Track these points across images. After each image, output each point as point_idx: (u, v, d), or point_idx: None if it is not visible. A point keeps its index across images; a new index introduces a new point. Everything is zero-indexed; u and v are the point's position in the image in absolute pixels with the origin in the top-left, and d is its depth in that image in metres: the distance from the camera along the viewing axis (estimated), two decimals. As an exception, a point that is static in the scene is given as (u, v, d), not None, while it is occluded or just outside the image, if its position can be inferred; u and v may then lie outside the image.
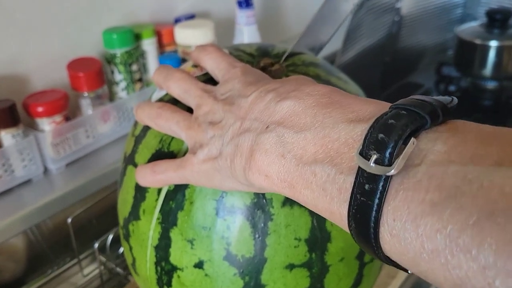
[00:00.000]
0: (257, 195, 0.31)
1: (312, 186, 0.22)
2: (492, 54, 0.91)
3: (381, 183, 0.19)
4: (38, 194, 0.58)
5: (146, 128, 0.36)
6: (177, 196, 0.33)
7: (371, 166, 0.19)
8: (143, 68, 0.72)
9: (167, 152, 0.33)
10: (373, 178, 0.19)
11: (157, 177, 0.32)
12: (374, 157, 0.19)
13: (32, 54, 0.63)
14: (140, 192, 0.35)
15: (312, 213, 0.32)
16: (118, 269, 0.56)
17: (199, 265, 0.33)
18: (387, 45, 0.99)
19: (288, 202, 0.31)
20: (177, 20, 0.78)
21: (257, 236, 0.31)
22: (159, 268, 0.35)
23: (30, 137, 0.57)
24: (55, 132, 0.59)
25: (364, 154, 0.20)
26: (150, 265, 0.35)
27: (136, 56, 0.69)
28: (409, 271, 0.21)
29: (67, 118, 0.61)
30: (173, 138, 0.34)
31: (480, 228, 0.17)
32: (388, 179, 0.19)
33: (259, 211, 0.31)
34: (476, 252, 0.17)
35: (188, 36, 0.72)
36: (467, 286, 0.17)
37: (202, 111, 0.31)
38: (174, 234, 0.33)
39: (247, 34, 0.79)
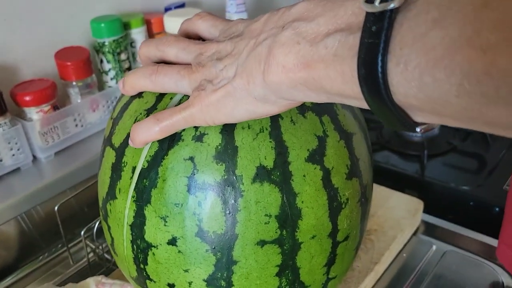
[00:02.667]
0: (228, 170, 0.32)
1: (325, 58, 0.24)
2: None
3: (386, 20, 0.21)
4: (26, 183, 0.58)
5: (123, 109, 0.37)
6: (150, 174, 0.33)
7: (376, 6, 0.22)
8: (132, 58, 0.72)
9: None
10: (379, 18, 0.22)
11: (162, 124, 0.32)
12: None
13: (19, 43, 0.63)
14: (116, 171, 0.35)
15: (282, 190, 0.32)
16: (106, 256, 0.57)
17: (172, 242, 0.33)
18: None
19: (258, 178, 0.32)
20: (167, 9, 0.78)
21: (227, 212, 0.32)
22: (135, 246, 0.36)
23: (17, 126, 0.58)
24: (43, 121, 0.60)
25: (369, 1, 0.22)
26: (127, 244, 0.36)
27: (124, 45, 0.69)
28: (417, 128, 0.23)
29: (55, 107, 0.61)
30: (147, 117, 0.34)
31: (476, 14, 0.18)
32: (392, 15, 0.21)
33: (229, 187, 0.32)
34: (476, 38, 0.18)
35: (178, 25, 0.72)
36: (471, 79, 0.19)
37: (204, 56, 0.31)
38: (148, 211, 0.34)
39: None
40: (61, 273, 0.58)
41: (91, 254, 0.57)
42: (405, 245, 0.56)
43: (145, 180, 0.33)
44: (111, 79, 0.70)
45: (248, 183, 0.32)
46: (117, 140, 0.36)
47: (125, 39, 0.69)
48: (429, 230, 0.59)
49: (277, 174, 0.32)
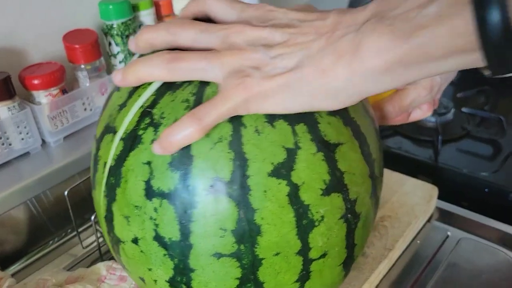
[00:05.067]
0: (182, 180, 0.30)
1: (428, 23, 0.24)
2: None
3: None
4: (36, 167, 0.58)
5: (107, 100, 0.36)
6: (116, 172, 0.32)
7: None
8: (141, 40, 0.71)
9: (111, 127, 0.33)
10: None
11: (205, 123, 0.28)
12: None
13: (27, 26, 0.62)
14: (95, 163, 0.35)
15: (238, 205, 0.30)
16: (117, 241, 0.57)
17: (135, 241, 0.33)
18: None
19: (213, 190, 0.30)
20: (176, -9, 0.77)
21: (182, 221, 0.30)
22: (110, 238, 0.36)
23: (26, 109, 0.57)
24: (51, 104, 0.59)
25: None
26: (105, 234, 0.37)
27: (133, 27, 0.68)
28: None
29: (64, 91, 0.61)
30: (118, 114, 0.33)
31: None
32: None
33: (184, 197, 0.30)
34: None
35: (187, 7, 0.71)
36: None
37: (239, 39, 0.29)
38: (114, 208, 0.33)
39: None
40: (71, 258, 0.58)
41: (101, 239, 0.57)
42: (419, 231, 0.55)
43: (112, 178, 0.33)
44: (120, 62, 0.69)
45: (203, 194, 0.30)
46: (98, 132, 0.35)
47: (133, 22, 0.68)
48: (444, 216, 0.58)
49: (234, 188, 0.30)
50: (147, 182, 0.31)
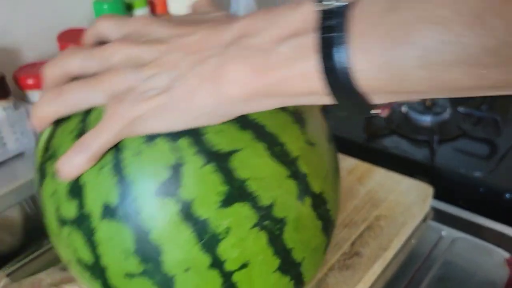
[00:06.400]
0: (80, 207, 0.31)
1: (282, 63, 0.25)
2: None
3: (342, 14, 0.24)
4: (30, 167, 0.57)
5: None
6: (40, 202, 0.34)
7: (329, 4, 0.24)
8: (137, 40, 0.71)
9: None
10: (333, 12, 0.24)
11: (89, 153, 0.29)
12: None
13: (21, 25, 0.62)
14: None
15: (132, 227, 0.30)
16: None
17: (69, 262, 0.35)
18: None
19: (105, 215, 0.30)
20: (171, -10, 0.76)
21: (89, 245, 0.31)
22: None
23: (21, 109, 0.57)
24: (46, 104, 0.59)
25: (320, 1, 0.25)
26: None
27: (128, 27, 0.68)
28: (371, 110, 0.26)
29: (58, 91, 0.60)
30: (36, 148, 0.35)
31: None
32: (346, 9, 0.24)
33: (84, 223, 0.31)
34: (429, 15, 0.21)
35: (183, 6, 0.71)
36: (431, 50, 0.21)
37: (115, 59, 0.29)
38: (50, 234, 0.36)
39: (242, 3, 0.77)
40: (67, 258, 0.58)
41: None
42: (414, 231, 0.55)
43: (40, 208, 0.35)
44: (115, 62, 0.68)
45: (98, 220, 0.30)
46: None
47: (129, 21, 0.68)
48: (439, 216, 0.58)
49: (123, 211, 0.30)
50: (56, 212, 0.32)
